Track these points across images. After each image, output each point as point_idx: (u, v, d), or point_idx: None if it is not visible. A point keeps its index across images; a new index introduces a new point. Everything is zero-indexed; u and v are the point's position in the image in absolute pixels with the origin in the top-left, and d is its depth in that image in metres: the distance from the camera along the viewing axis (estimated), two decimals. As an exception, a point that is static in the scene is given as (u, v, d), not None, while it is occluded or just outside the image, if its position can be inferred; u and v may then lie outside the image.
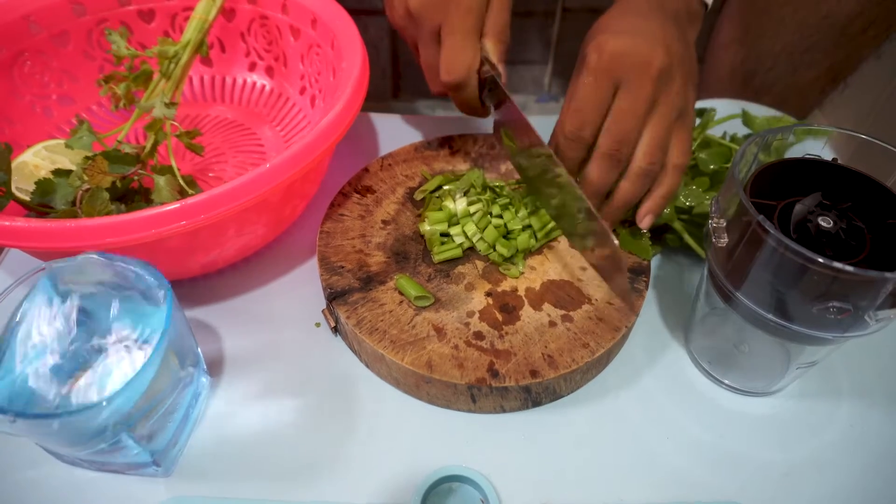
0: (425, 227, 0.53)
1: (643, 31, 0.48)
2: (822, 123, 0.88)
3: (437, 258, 0.52)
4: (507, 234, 0.53)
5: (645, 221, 0.51)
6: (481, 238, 0.52)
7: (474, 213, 0.53)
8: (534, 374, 0.45)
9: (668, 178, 0.49)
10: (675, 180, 0.49)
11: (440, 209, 0.53)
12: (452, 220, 0.53)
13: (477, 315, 0.49)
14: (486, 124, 0.71)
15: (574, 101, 0.48)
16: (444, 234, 0.53)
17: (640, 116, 0.47)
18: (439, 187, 0.56)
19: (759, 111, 0.73)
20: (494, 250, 0.52)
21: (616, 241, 0.44)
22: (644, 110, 0.47)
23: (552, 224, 0.54)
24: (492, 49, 0.53)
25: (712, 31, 0.88)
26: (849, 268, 0.34)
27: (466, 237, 0.52)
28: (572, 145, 0.49)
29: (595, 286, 0.51)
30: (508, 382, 0.44)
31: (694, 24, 0.55)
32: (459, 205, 0.53)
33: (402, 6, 0.53)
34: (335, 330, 0.51)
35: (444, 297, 0.50)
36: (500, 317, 0.48)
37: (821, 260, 0.34)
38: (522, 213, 0.53)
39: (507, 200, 0.54)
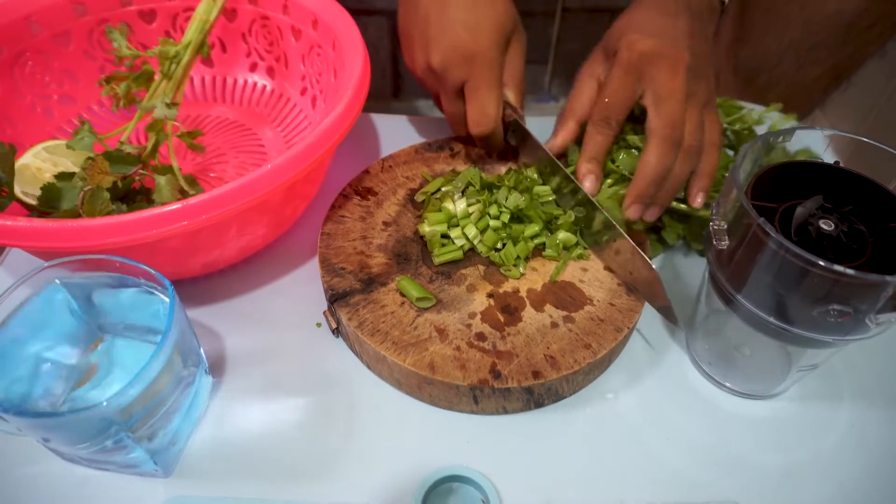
0: (425, 228, 0.53)
1: (671, 32, 0.51)
2: (822, 123, 0.88)
3: (437, 260, 0.52)
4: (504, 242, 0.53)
5: (699, 200, 0.52)
6: (481, 241, 0.52)
7: (472, 213, 0.53)
8: (536, 375, 0.45)
9: (709, 156, 0.52)
10: (715, 157, 0.52)
11: (439, 210, 0.53)
12: (452, 221, 0.53)
13: (479, 316, 0.49)
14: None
15: (603, 94, 0.52)
16: (445, 236, 0.53)
17: (683, 101, 0.49)
18: (440, 189, 0.56)
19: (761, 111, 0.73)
20: (496, 251, 0.52)
21: (654, 269, 0.47)
22: (685, 96, 0.49)
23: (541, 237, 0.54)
24: (512, 98, 0.57)
25: (717, 29, 0.88)
26: (850, 271, 0.34)
27: (467, 239, 0.52)
28: (601, 130, 0.51)
29: (596, 287, 0.51)
30: (511, 384, 0.44)
31: (714, 19, 0.58)
32: (459, 206, 0.53)
33: (423, 61, 0.56)
34: (336, 331, 0.51)
35: (445, 298, 0.50)
36: (501, 318, 0.48)
37: (822, 263, 0.34)
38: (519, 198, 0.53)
39: (507, 194, 0.54)
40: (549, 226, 0.54)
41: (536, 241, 0.53)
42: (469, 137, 0.60)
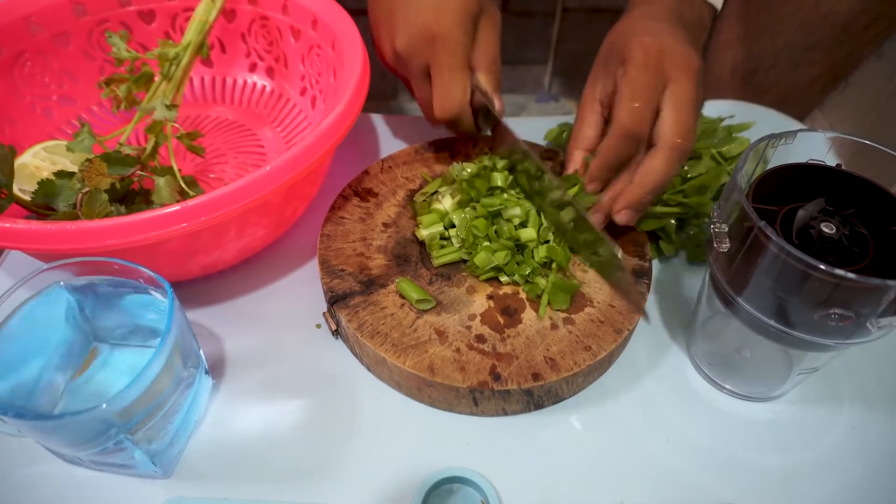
0: (422, 233, 0.53)
1: (675, 35, 0.50)
2: (822, 124, 0.88)
3: (436, 262, 0.52)
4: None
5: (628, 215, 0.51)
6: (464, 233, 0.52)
7: (460, 209, 0.53)
8: (536, 377, 0.45)
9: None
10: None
11: (430, 212, 0.53)
12: (446, 220, 0.53)
13: (478, 318, 0.48)
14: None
15: (628, 98, 0.48)
16: (444, 238, 0.53)
17: (697, 110, 0.48)
18: (437, 191, 0.56)
19: (759, 112, 0.73)
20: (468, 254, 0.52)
21: (612, 246, 0.46)
22: (698, 104, 0.48)
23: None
24: (484, 81, 0.55)
25: (713, 31, 0.88)
26: (851, 275, 0.34)
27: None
28: (629, 143, 0.49)
29: (596, 289, 0.51)
30: (510, 385, 0.44)
31: (704, 33, 0.58)
32: (446, 203, 0.53)
33: (390, 47, 0.55)
34: (336, 333, 0.51)
35: (445, 300, 0.50)
36: (501, 320, 0.48)
37: (823, 267, 0.34)
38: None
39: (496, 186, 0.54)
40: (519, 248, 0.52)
41: (506, 266, 0.50)
42: (468, 134, 0.59)
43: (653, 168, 0.48)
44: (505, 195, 0.54)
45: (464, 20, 0.52)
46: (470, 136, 0.59)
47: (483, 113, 0.57)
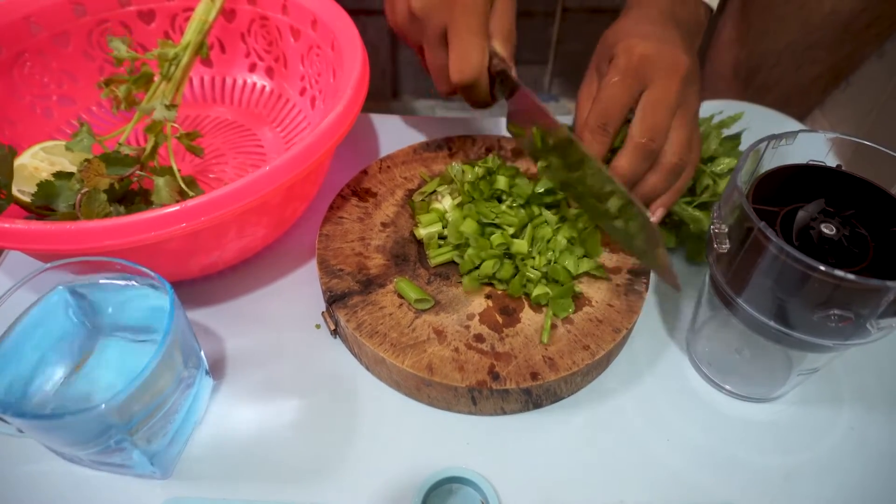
0: (420, 232, 0.53)
1: (666, 38, 0.49)
2: (822, 123, 0.88)
3: (433, 262, 0.52)
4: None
5: (658, 214, 0.51)
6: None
7: (459, 208, 0.53)
8: (534, 376, 0.45)
9: (686, 174, 0.50)
10: (690, 176, 0.50)
11: (429, 211, 0.53)
12: (444, 219, 0.53)
13: (477, 318, 0.48)
14: (486, 126, 0.71)
15: (600, 99, 0.49)
16: (442, 238, 0.53)
17: (672, 110, 0.48)
18: (435, 191, 0.56)
19: (759, 112, 0.73)
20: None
21: (648, 214, 0.44)
22: (675, 105, 0.48)
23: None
24: (500, 49, 0.53)
25: (714, 31, 0.87)
26: (850, 276, 0.34)
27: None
28: (597, 138, 0.49)
29: (595, 288, 0.51)
30: (509, 385, 0.44)
31: (700, 33, 0.57)
32: (445, 203, 0.53)
33: (405, 7, 0.53)
34: (335, 333, 0.51)
35: (443, 299, 0.50)
36: (500, 319, 0.48)
37: (822, 268, 0.34)
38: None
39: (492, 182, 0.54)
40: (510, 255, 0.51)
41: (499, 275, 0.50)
42: (453, 93, 0.56)
43: (612, 164, 0.48)
44: (503, 206, 0.53)
45: None
46: (483, 106, 0.56)
47: (499, 80, 0.54)
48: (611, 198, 0.47)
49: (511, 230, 0.51)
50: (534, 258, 0.51)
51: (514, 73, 0.53)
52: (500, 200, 0.54)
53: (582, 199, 0.52)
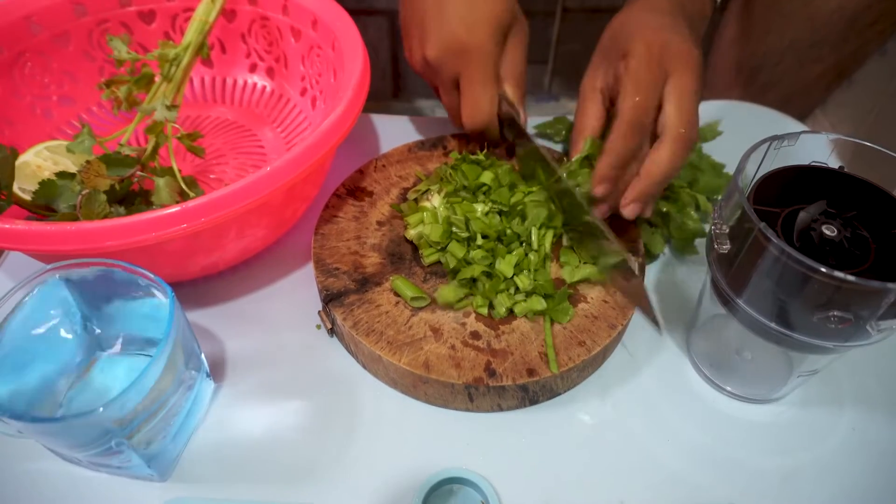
0: (410, 233, 0.52)
1: (676, 29, 0.50)
2: (823, 122, 0.88)
3: (426, 261, 0.52)
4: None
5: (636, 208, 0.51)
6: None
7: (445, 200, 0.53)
8: (531, 372, 0.45)
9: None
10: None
11: (417, 211, 0.53)
12: (434, 217, 0.53)
13: (473, 315, 0.48)
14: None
15: (631, 93, 0.48)
16: None
17: (696, 100, 0.49)
18: (428, 189, 0.56)
19: (759, 112, 0.73)
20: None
21: (636, 270, 0.47)
22: (697, 93, 0.49)
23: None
24: (511, 93, 0.56)
25: (717, 28, 0.87)
26: (850, 278, 0.34)
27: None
28: (634, 134, 0.49)
29: (589, 285, 0.50)
30: (505, 381, 0.44)
31: (704, 24, 0.58)
32: (434, 201, 0.53)
33: (420, 54, 0.56)
34: (332, 332, 0.51)
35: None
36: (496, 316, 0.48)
37: (823, 269, 0.34)
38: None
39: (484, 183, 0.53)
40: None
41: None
42: (461, 136, 0.60)
43: (659, 159, 0.48)
44: (479, 211, 0.52)
45: (496, 33, 0.54)
46: (494, 145, 0.60)
47: (507, 123, 0.58)
48: (599, 241, 0.49)
49: (489, 243, 0.50)
50: (517, 278, 0.49)
51: (522, 118, 0.57)
52: (486, 194, 0.54)
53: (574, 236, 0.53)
